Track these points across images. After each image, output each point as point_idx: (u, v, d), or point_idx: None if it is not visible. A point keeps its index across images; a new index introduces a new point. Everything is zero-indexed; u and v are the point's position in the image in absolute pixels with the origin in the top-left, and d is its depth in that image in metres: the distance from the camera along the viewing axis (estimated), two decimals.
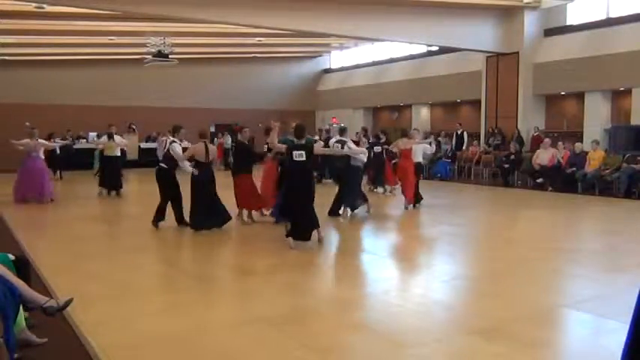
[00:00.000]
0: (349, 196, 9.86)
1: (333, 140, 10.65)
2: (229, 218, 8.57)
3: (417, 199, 10.91)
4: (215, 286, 5.77)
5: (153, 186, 8.95)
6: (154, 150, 15.55)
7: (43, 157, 12.39)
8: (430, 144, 12.17)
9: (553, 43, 16.70)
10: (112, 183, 13.15)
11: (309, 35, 19.12)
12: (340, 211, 9.81)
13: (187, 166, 8.41)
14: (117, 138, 13.41)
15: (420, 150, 11.10)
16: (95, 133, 19.03)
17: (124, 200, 12.91)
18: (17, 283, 3.76)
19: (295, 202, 7.25)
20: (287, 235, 7.20)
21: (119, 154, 13.51)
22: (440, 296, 5.35)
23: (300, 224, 7.19)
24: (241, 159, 9.36)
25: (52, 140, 14.70)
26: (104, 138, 13.63)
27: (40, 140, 12.42)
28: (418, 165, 11.05)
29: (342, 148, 9.70)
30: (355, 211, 9.95)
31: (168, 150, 8.58)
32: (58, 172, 17.40)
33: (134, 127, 20.88)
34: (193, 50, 22.19)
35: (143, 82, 23.41)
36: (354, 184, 9.92)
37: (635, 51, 14.34)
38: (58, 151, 16.72)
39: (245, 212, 9.24)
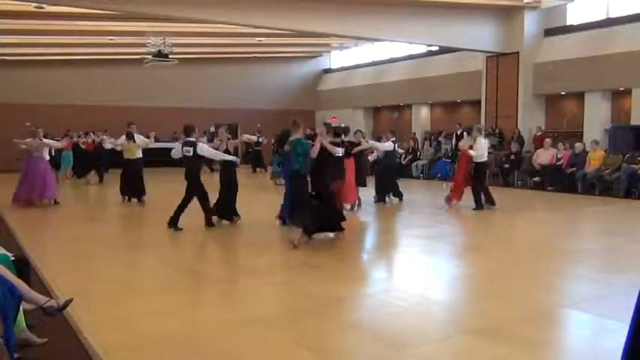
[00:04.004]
0: (397, 186, 11.82)
1: (378, 141, 12.04)
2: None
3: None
4: (215, 286, 5.77)
5: (155, 186, 8.94)
6: (154, 150, 14.69)
7: (47, 157, 11.92)
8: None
9: (553, 43, 16.70)
10: (132, 189, 11.88)
11: (309, 35, 19.13)
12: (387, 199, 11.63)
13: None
14: (138, 138, 12.15)
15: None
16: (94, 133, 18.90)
17: (124, 200, 12.84)
18: (17, 283, 3.76)
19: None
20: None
21: (140, 155, 12.16)
22: (440, 296, 5.35)
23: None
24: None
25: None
26: (122, 139, 12.31)
27: (44, 140, 11.89)
28: (476, 166, 10.83)
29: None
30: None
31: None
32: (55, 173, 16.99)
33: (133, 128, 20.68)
34: (193, 50, 22.20)
35: (143, 82, 23.42)
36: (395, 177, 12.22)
37: (635, 51, 14.35)
38: (53, 152, 16.42)
39: None
